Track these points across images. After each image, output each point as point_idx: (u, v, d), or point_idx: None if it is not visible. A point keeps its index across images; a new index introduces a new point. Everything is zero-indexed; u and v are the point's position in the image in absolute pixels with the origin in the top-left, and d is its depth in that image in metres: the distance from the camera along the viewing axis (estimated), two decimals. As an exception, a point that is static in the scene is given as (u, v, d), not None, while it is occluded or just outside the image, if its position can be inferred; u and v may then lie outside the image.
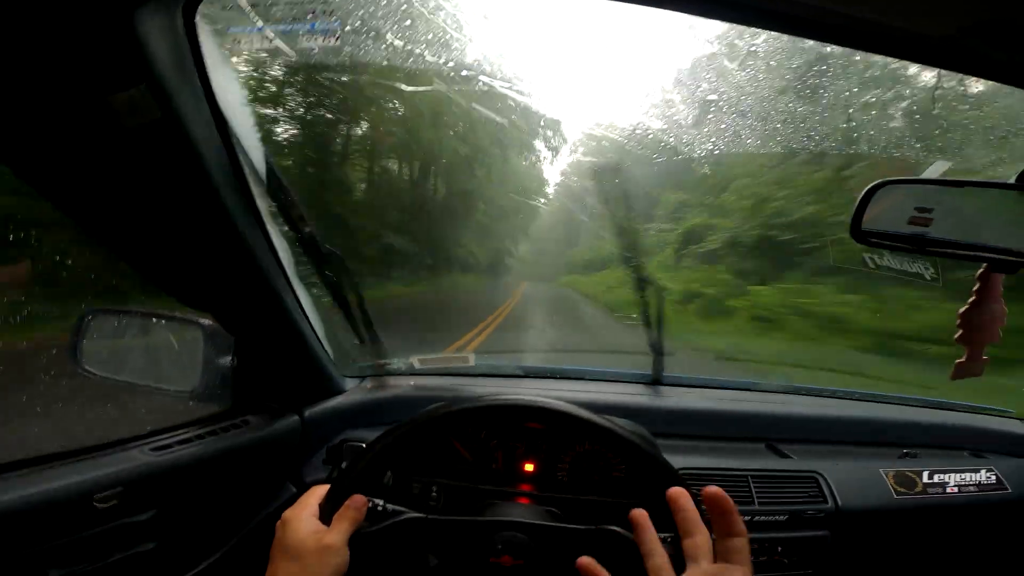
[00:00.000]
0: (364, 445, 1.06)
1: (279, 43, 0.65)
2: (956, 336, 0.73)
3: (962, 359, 0.74)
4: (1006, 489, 1.27)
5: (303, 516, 0.81)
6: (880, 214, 0.73)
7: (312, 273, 1.07)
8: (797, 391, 1.61)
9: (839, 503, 1.17)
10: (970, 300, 0.72)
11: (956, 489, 1.25)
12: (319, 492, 0.86)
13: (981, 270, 0.71)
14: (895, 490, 1.22)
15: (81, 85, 0.55)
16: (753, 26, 0.51)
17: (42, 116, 0.58)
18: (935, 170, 0.75)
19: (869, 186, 0.71)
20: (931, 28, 0.44)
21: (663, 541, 0.82)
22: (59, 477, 0.78)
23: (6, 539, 0.71)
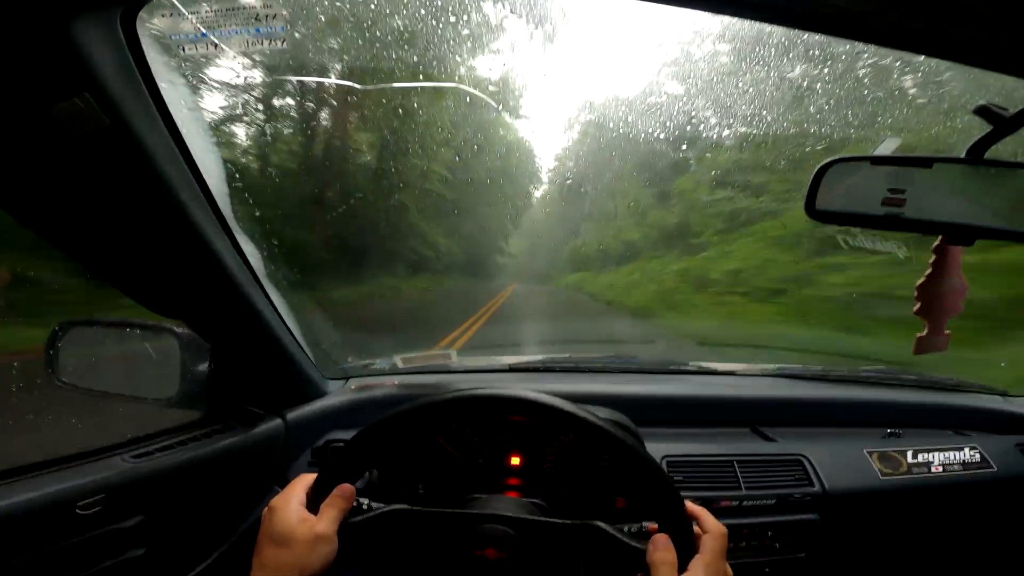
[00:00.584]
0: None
1: (225, 48, 0.65)
2: (914, 309, 0.73)
3: (923, 333, 0.74)
4: (991, 467, 1.28)
5: (291, 504, 0.80)
6: (844, 193, 0.73)
7: (287, 277, 1.07)
8: (780, 374, 1.61)
9: (825, 486, 1.17)
10: (927, 273, 0.72)
11: (941, 468, 1.26)
12: (306, 480, 0.86)
13: (937, 243, 0.72)
14: (880, 471, 1.23)
15: (23, 97, 0.55)
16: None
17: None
18: (886, 147, 0.74)
19: (822, 163, 0.71)
20: (853, 4, 0.44)
21: (629, 533, 0.82)
22: (40, 486, 0.78)
23: None
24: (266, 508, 0.82)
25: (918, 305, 0.73)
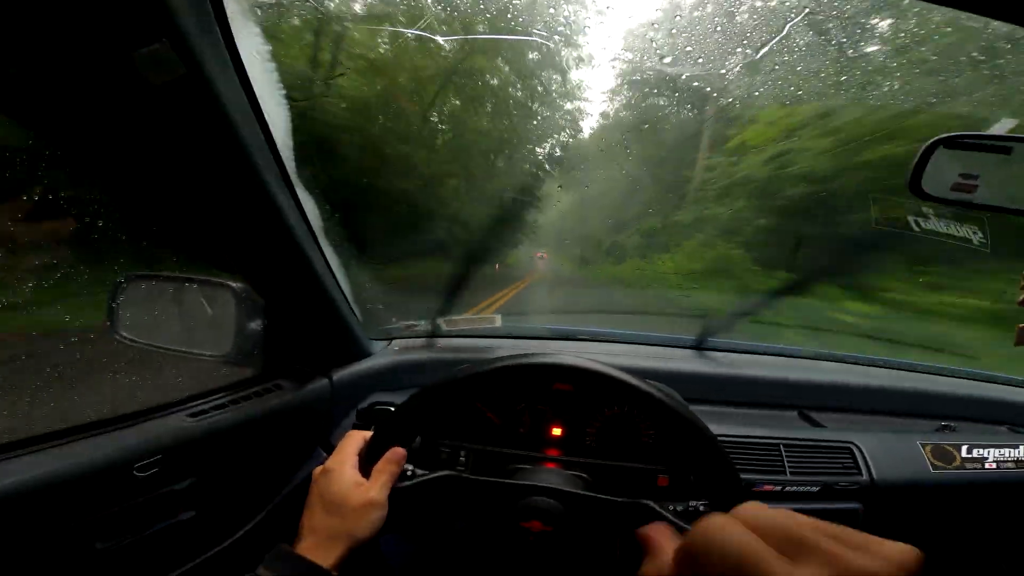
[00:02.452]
0: (393, 407, 1.07)
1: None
2: (1021, 300, 0.69)
3: None
4: None
5: (345, 467, 0.80)
6: (932, 174, 0.69)
7: (341, 236, 1.06)
8: (832, 358, 1.56)
9: (874, 475, 1.14)
10: None
11: (995, 464, 1.22)
12: (357, 440, 0.86)
13: None
14: (932, 463, 1.19)
15: (103, 43, 0.53)
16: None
17: (66, 77, 0.56)
18: (1002, 127, 0.69)
19: (930, 141, 0.66)
20: None
21: (695, 510, 0.81)
22: (100, 447, 0.78)
23: (52, 511, 0.71)
24: (318, 469, 0.82)
25: (1024, 296, 0.69)
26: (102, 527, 0.77)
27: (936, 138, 0.66)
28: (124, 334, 1.02)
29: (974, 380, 1.50)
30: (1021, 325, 0.70)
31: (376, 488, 0.78)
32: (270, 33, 0.65)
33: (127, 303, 1.02)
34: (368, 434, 0.88)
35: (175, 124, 0.64)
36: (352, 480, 0.78)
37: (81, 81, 0.57)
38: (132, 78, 0.56)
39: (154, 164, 0.69)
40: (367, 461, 0.83)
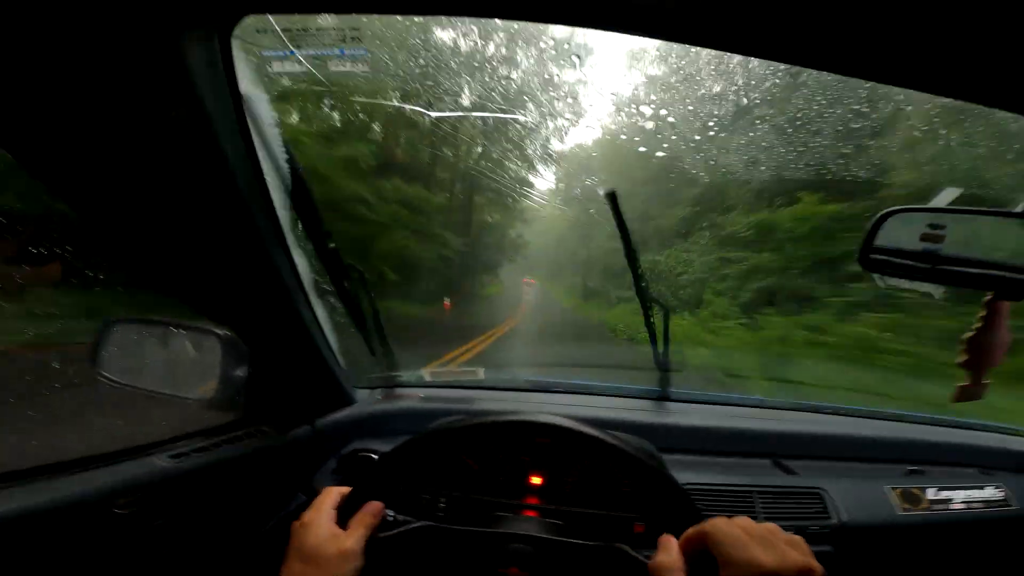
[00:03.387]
0: (374, 455, 1.08)
1: (308, 67, 0.67)
2: (960, 361, 0.74)
3: (965, 383, 0.75)
4: (1013, 506, 1.27)
5: (322, 520, 0.81)
6: (891, 236, 0.74)
7: (328, 286, 1.09)
8: (804, 408, 1.61)
9: (843, 519, 1.17)
10: (975, 327, 0.73)
11: (963, 506, 1.25)
12: (335, 495, 0.87)
13: (987, 298, 0.72)
14: (900, 506, 1.22)
15: (126, 108, 0.57)
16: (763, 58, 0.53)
17: (87, 137, 0.60)
18: (943, 198, 0.76)
19: (880, 213, 0.72)
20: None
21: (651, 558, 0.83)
22: (80, 483, 0.79)
23: (29, 546, 0.72)
24: (296, 522, 0.83)
25: (964, 358, 0.74)
26: (78, 562, 0.78)
27: (884, 211, 0.72)
28: (106, 374, 1.02)
29: (943, 427, 1.55)
30: (958, 384, 0.76)
31: (352, 539, 0.79)
32: (278, 100, 0.70)
33: (112, 345, 1.03)
34: (346, 489, 0.89)
35: (179, 180, 0.67)
36: (329, 532, 0.79)
37: (98, 139, 0.60)
38: (148, 140, 0.60)
39: (157, 218, 0.72)
40: (345, 512, 0.84)
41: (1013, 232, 0.72)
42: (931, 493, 1.26)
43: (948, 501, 1.26)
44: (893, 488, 1.26)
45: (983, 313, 0.73)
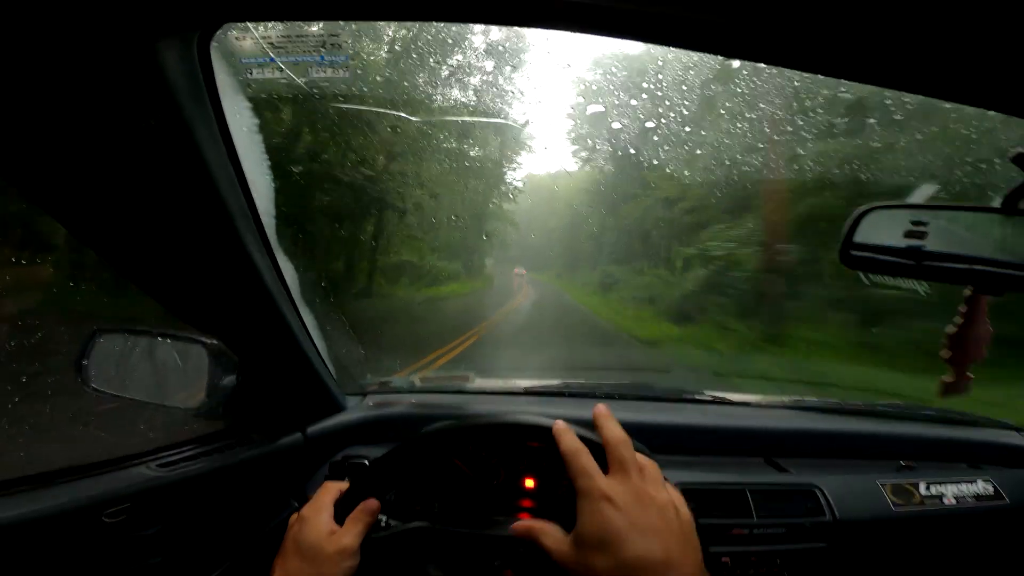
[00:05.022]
0: (367, 461, 1.08)
1: (289, 73, 0.67)
2: (944, 356, 0.75)
3: (949, 378, 0.76)
4: (1004, 500, 1.28)
5: (321, 515, 0.81)
6: (871, 233, 0.75)
7: (317, 294, 1.09)
8: (796, 406, 1.61)
9: (836, 515, 1.18)
10: (957, 322, 0.74)
11: (954, 500, 1.27)
12: (334, 490, 0.87)
13: (968, 293, 0.73)
14: (892, 502, 1.23)
15: (103, 114, 0.57)
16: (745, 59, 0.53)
17: (65, 144, 0.60)
18: (921, 194, 0.77)
19: (858, 210, 0.73)
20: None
21: None
22: (69, 493, 0.80)
23: (18, 555, 0.72)
24: (294, 516, 0.83)
25: (948, 353, 0.75)
26: (68, 571, 0.78)
27: (862, 208, 0.73)
28: (94, 385, 1.02)
29: (933, 422, 1.56)
30: (943, 378, 0.76)
31: (349, 536, 0.79)
32: (258, 107, 0.70)
33: (99, 355, 1.03)
34: (344, 485, 0.89)
35: (162, 189, 0.67)
36: (326, 528, 0.80)
37: (77, 147, 0.60)
38: (127, 148, 0.60)
39: (140, 227, 0.72)
40: (342, 511, 0.84)
41: (992, 227, 0.72)
42: (923, 488, 1.27)
43: (940, 496, 1.27)
44: (885, 484, 1.26)
45: (965, 309, 0.74)
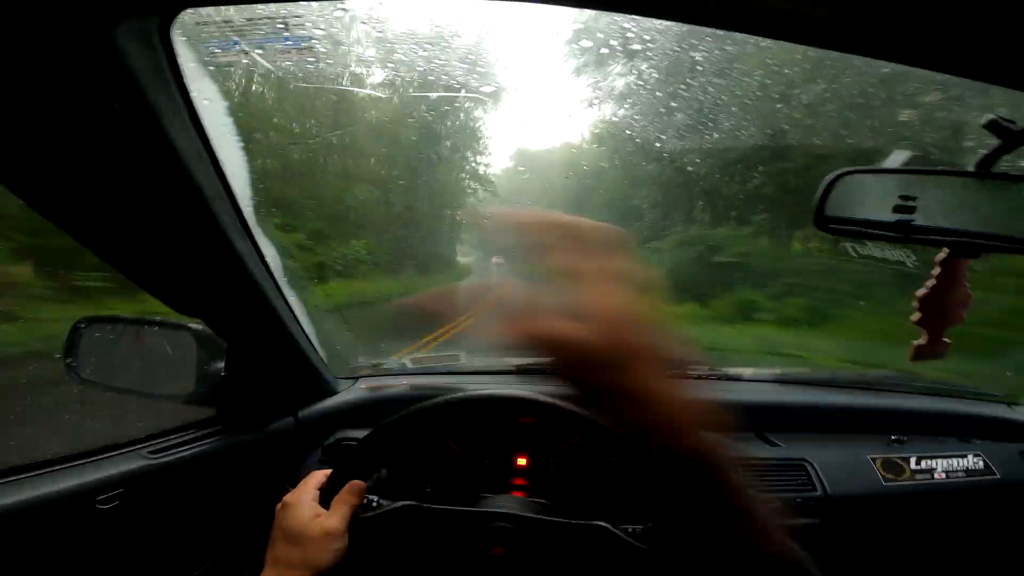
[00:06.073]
0: (357, 442, 1.09)
1: (255, 56, 0.67)
2: (914, 319, 0.75)
3: (922, 341, 0.76)
4: (994, 474, 1.28)
5: (304, 500, 0.83)
6: (845, 198, 0.74)
7: (303, 277, 1.10)
8: (785, 380, 1.62)
9: (827, 490, 1.18)
10: (929, 284, 0.73)
11: (944, 475, 1.27)
12: (318, 477, 0.89)
13: (942, 256, 0.73)
14: (883, 476, 1.24)
15: (65, 100, 0.57)
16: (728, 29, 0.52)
17: (29, 130, 0.60)
18: (895, 159, 0.76)
19: (830, 175, 0.72)
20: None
21: (634, 534, 0.84)
22: (62, 480, 0.81)
23: (13, 541, 0.74)
24: (279, 504, 0.84)
25: (917, 316, 0.75)
26: (62, 557, 0.79)
27: (836, 172, 0.72)
28: (84, 376, 1.03)
29: (924, 395, 1.56)
30: (915, 342, 0.76)
31: (335, 519, 0.80)
32: (228, 91, 0.70)
33: (85, 345, 1.04)
34: (328, 472, 0.90)
35: (133, 174, 0.67)
36: (311, 512, 0.81)
37: (43, 134, 0.60)
38: (92, 133, 0.60)
39: (115, 212, 0.72)
40: (327, 494, 0.85)
41: (968, 191, 0.72)
42: (913, 463, 1.27)
43: (930, 471, 1.27)
44: (875, 458, 1.27)
45: (938, 271, 0.73)
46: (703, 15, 0.48)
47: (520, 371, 1.56)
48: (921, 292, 0.74)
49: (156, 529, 0.93)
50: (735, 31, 0.50)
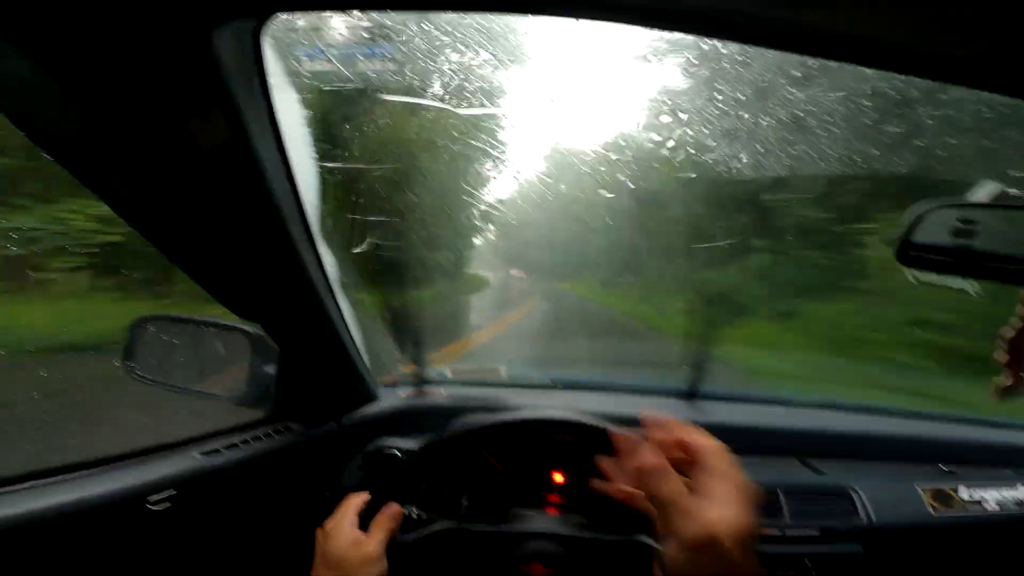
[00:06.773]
0: (397, 451, 1.09)
1: (338, 65, 0.67)
2: (1000, 359, 0.72)
3: (1006, 381, 0.73)
4: None
5: (343, 526, 0.85)
6: (930, 232, 0.72)
7: (356, 284, 1.10)
8: (832, 406, 1.58)
9: (873, 519, 1.15)
10: (1017, 325, 0.71)
11: (997, 507, 1.22)
12: (357, 501, 0.91)
13: None
14: (932, 507, 1.20)
15: (159, 107, 0.57)
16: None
17: (119, 133, 0.60)
18: (982, 192, 0.74)
19: (917, 208, 0.70)
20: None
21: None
22: (114, 479, 0.81)
23: (65, 541, 0.74)
24: (319, 530, 0.87)
25: (1005, 356, 0.72)
26: (113, 557, 0.80)
27: (921, 207, 0.70)
28: (139, 372, 1.05)
29: (975, 425, 1.51)
30: (999, 383, 0.73)
31: (373, 544, 0.82)
32: (308, 98, 0.70)
33: (143, 343, 1.05)
34: (366, 495, 0.93)
35: (213, 180, 0.68)
36: (350, 537, 0.83)
37: (134, 141, 0.61)
38: (182, 141, 0.60)
39: (190, 217, 0.73)
40: (366, 516, 0.87)
41: None
42: (964, 493, 1.23)
43: (982, 502, 1.22)
44: (924, 488, 1.23)
45: (1023, 310, 0.71)
46: (711, 27, 0.49)
47: (558, 385, 1.55)
48: (1007, 332, 0.71)
49: (205, 530, 0.93)
50: (739, 42, 0.50)
